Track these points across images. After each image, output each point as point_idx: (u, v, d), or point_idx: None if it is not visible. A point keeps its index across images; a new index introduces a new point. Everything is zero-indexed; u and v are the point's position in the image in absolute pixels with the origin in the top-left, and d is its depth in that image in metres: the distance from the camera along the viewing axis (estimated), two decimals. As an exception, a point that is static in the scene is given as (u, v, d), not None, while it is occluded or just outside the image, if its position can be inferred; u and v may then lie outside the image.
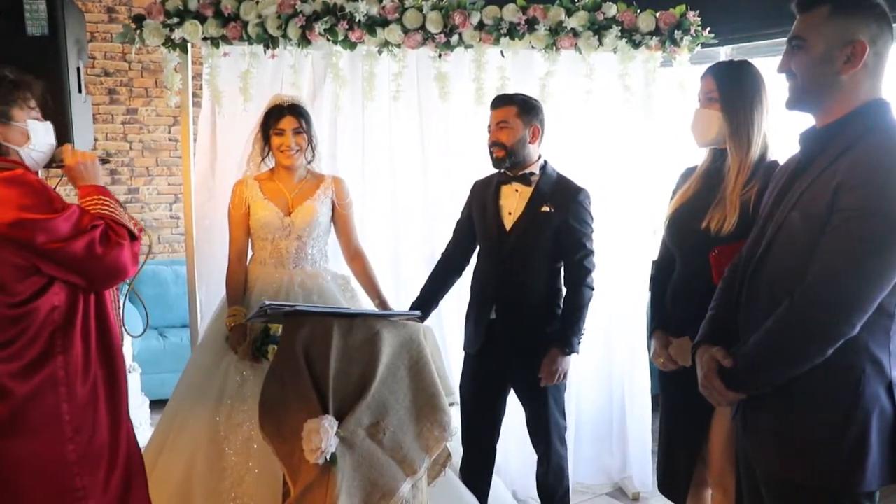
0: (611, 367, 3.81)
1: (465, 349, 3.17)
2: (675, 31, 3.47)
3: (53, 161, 2.27)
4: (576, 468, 3.78)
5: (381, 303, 3.24)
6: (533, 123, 2.97)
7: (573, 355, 2.98)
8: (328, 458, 2.19)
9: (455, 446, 3.23)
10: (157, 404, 4.42)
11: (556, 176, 3.04)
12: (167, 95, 3.49)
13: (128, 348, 4.56)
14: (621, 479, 3.87)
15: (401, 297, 3.58)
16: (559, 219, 2.94)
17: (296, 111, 3.10)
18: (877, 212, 1.64)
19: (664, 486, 2.66)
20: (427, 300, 3.22)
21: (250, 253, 3.27)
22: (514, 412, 3.21)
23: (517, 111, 2.95)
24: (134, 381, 4.55)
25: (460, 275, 3.28)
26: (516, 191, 3.00)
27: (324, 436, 2.17)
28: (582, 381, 3.79)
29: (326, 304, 3.10)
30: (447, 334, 3.77)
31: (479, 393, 3.11)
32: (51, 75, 3.23)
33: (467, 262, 3.25)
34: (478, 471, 3.17)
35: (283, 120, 3.08)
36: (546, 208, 2.95)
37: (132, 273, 2.19)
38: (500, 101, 3.01)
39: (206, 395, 3.03)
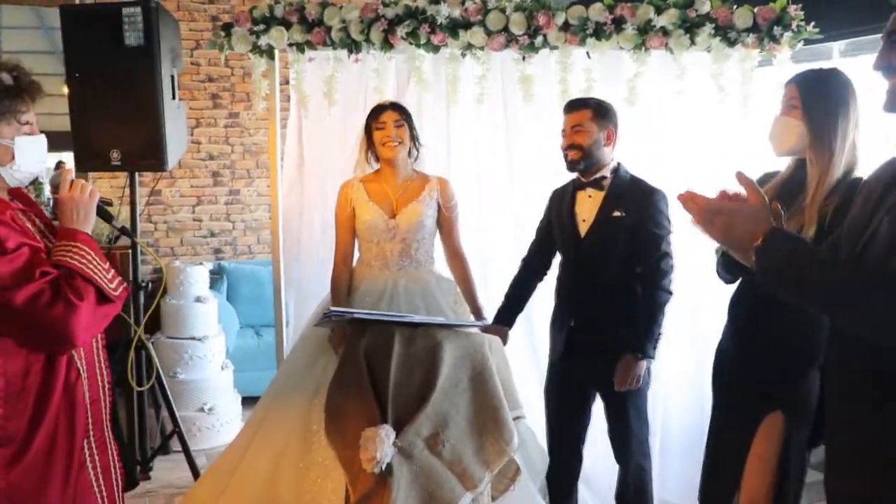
0: (699, 372, 3.59)
1: (549, 357, 3.14)
2: (775, 27, 3.26)
3: (55, 187, 2.02)
4: (662, 483, 3.62)
5: (476, 310, 3.23)
6: (607, 127, 2.94)
7: (651, 361, 2.91)
8: (384, 468, 2.17)
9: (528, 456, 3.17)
10: (248, 401, 4.54)
11: (630, 178, 2.99)
12: (256, 101, 3.57)
13: (221, 345, 4.73)
14: (712, 497, 3.67)
15: (489, 304, 3.52)
16: (632, 223, 2.89)
17: (396, 107, 3.18)
18: None
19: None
20: (511, 308, 3.21)
21: (357, 254, 3.31)
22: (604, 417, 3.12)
23: (591, 114, 2.93)
24: (226, 378, 4.71)
25: (542, 279, 3.25)
26: (590, 196, 2.97)
27: (379, 445, 2.15)
28: (669, 387, 3.61)
29: (429, 307, 3.11)
30: (539, 344, 3.70)
31: (563, 400, 3.07)
32: (146, 83, 3.40)
33: (548, 266, 3.22)
34: (563, 479, 3.12)
35: (383, 114, 3.14)
36: (618, 213, 2.91)
37: (82, 341, 1.85)
38: (574, 105, 2.99)
39: (303, 389, 3.05)
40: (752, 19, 3.27)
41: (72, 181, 1.97)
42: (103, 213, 2.10)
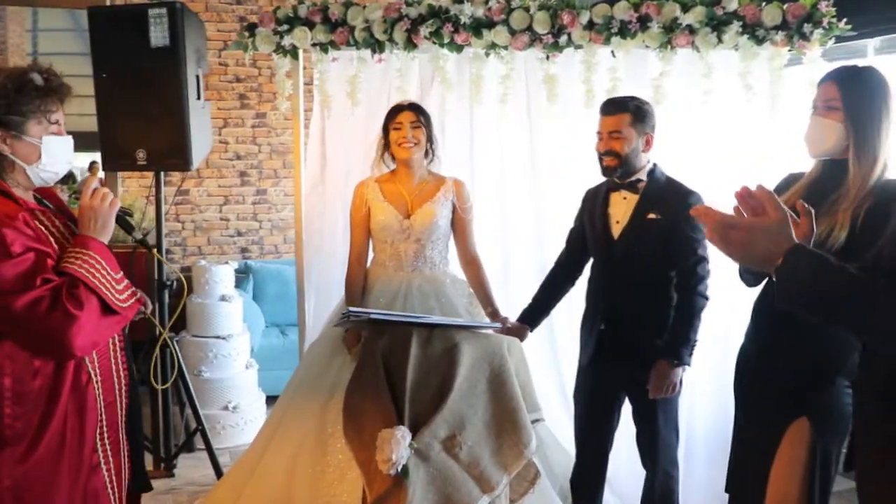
0: (727, 380, 3.54)
1: (579, 359, 3.09)
2: (805, 24, 3.18)
3: (76, 191, 2.05)
4: (686, 489, 3.56)
5: (494, 312, 3.20)
6: (646, 132, 2.86)
7: (686, 368, 2.85)
8: (399, 469, 2.15)
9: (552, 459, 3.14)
10: (272, 400, 4.55)
11: (665, 180, 2.92)
12: (279, 101, 3.58)
13: (246, 344, 4.76)
14: (738, 505, 3.61)
15: (510, 305, 3.50)
16: (668, 225, 2.82)
17: (414, 108, 3.18)
18: None
19: None
20: (537, 309, 3.18)
21: (371, 254, 3.31)
22: (629, 422, 3.08)
23: (631, 119, 2.83)
24: (251, 377, 4.73)
25: (573, 284, 3.20)
26: (624, 198, 2.91)
27: (395, 447, 2.13)
28: (695, 394, 3.55)
29: (444, 308, 3.10)
30: (559, 346, 3.66)
31: (590, 403, 3.02)
32: (171, 83, 3.43)
33: (580, 271, 3.18)
34: (588, 481, 3.08)
35: (400, 114, 3.15)
36: (652, 215, 2.84)
37: (81, 351, 1.82)
38: (613, 108, 2.87)
39: (318, 390, 3.06)
40: (782, 16, 3.19)
41: (94, 189, 1.96)
42: (123, 223, 2.10)
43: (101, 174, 1.97)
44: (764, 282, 2.40)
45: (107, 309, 1.85)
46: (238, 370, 4.65)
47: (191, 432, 4.00)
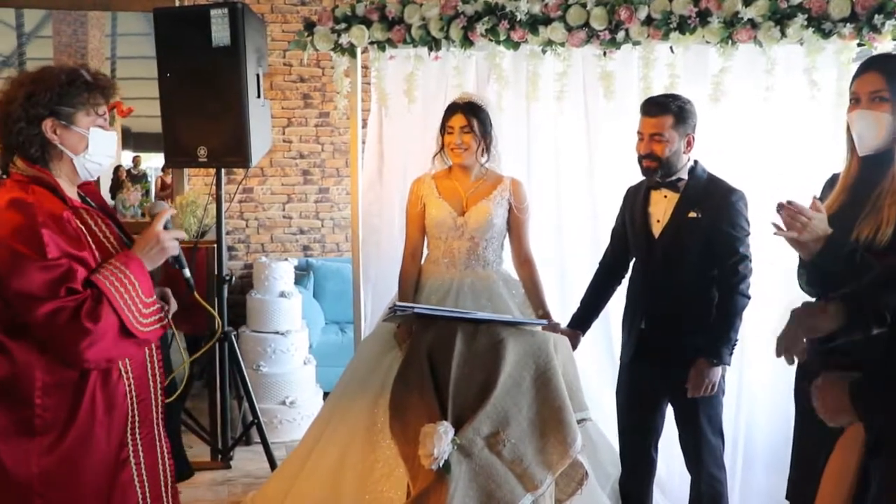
0: (786, 386, 3.42)
1: (620, 358, 3.08)
2: (876, 16, 3.04)
3: (148, 213, 2.06)
4: (746, 498, 3.46)
5: (545, 314, 3.18)
6: (688, 133, 2.82)
7: (727, 367, 2.82)
8: (441, 465, 2.15)
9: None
10: (330, 396, 4.61)
11: (707, 178, 2.87)
12: (338, 99, 3.63)
13: (305, 340, 4.82)
14: (801, 516, 3.48)
15: (566, 304, 3.47)
16: (709, 224, 2.79)
17: (467, 109, 3.12)
18: None
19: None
20: (587, 312, 3.17)
21: (426, 251, 3.32)
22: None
23: (673, 122, 2.79)
24: (309, 373, 4.80)
25: (620, 282, 3.18)
26: (665, 196, 2.88)
27: (437, 442, 2.13)
28: (754, 399, 3.45)
29: (496, 308, 3.08)
30: (615, 344, 3.61)
31: (632, 403, 3.00)
32: (232, 82, 3.50)
33: (626, 268, 3.15)
34: (634, 484, 3.05)
35: (452, 117, 3.13)
36: (693, 214, 2.81)
37: (94, 364, 1.85)
38: (655, 110, 2.83)
39: (369, 386, 3.08)
40: (850, 8, 3.04)
41: (166, 226, 2.02)
42: (177, 259, 2.10)
43: (168, 216, 1.98)
44: None
45: (126, 330, 1.87)
46: (296, 366, 4.71)
47: (247, 425, 4.07)
